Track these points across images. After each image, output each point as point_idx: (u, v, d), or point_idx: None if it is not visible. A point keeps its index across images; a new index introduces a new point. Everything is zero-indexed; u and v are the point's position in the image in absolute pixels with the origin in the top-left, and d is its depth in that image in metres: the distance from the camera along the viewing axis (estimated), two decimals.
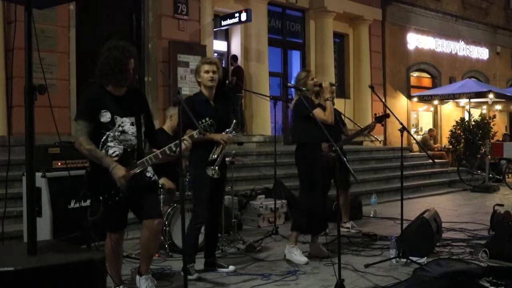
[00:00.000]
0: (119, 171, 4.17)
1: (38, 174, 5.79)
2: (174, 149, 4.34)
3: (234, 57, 13.42)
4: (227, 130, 5.29)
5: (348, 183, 7.80)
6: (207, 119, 4.50)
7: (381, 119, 7.13)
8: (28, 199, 3.21)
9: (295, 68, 15.70)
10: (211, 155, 5.21)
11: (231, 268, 5.56)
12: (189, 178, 5.80)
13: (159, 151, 4.38)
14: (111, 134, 4.29)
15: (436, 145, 18.05)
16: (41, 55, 3.19)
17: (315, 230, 6.19)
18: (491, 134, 15.75)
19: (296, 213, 6.40)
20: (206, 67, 5.35)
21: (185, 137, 4.52)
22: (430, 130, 18.36)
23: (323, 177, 6.00)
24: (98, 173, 4.23)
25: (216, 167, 5.11)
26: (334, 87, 7.77)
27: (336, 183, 5.72)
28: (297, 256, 5.94)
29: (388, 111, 6.61)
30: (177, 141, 4.21)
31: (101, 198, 4.22)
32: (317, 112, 5.90)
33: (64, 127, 9.52)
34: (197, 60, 11.55)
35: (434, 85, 19.66)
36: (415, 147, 16.57)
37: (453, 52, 20.27)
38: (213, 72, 5.35)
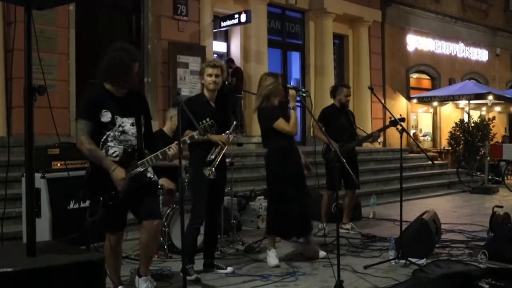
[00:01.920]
0: (119, 174, 4.18)
1: (38, 175, 5.78)
2: (173, 148, 4.36)
3: (231, 60, 13.42)
4: (226, 132, 5.31)
5: (355, 184, 7.70)
6: (207, 119, 4.52)
7: (395, 123, 7.11)
8: (27, 200, 3.21)
9: (295, 69, 15.69)
10: (209, 155, 5.23)
11: (229, 269, 5.56)
12: (188, 179, 5.81)
13: (159, 151, 4.39)
14: (111, 134, 4.30)
15: (418, 149, 17.89)
16: (41, 56, 3.19)
17: (287, 234, 6.22)
18: (490, 136, 15.75)
19: (267, 218, 6.41)
20: (209, 70, 5.38)
21: (185, 137, 4.54)
22: (413, 133, 18.34)
23: (294, 181, 5.97)
24: (98, 173, 4.24)
25: (213, 168, 5.11)
26: (349, 90, 7.84)
27: (346, 184, 5.70)
28: (270, 258, 5.93)
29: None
30: (176, 142, 4.22)
31: (101, 198, 4.22)
32: (280, 123, 5.82)
33: (63, 128, 9.51)
34: (196, 61, 11.66)
35: (434, 87, 19.66)
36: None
37: (452, 54, 20.27)
38: (216, 76, 5.38)
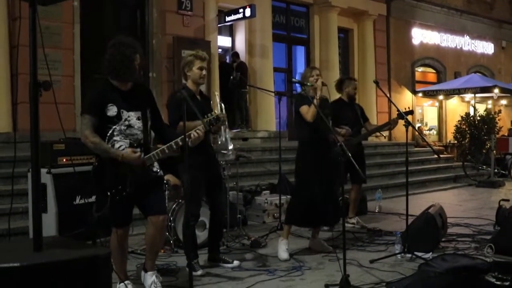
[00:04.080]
0: (131, 155, 4.20)
1: (44, 170, 5.80)
2: (180, 143, 4.35)
3: (236, 54, 13.40)
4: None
5: (361, 178, 7.56)
6: (213, 113, 4.49)
7: (403, 115, 7.11)
8: (33, 195, 3.22)
9: (300, 63, 15.67)
10: (220, 138, 5.22)
11: (236, 263, 5.56)
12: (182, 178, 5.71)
13: (165, 146, 4.38)
14: (117, 128, 4.30)
15: (424, 143, 17.87)
16: (46, 52, 3.19)
17: (306, 224, 6.26)
18: (496, 129, 15.69)
19: (287, 207, 6.42)
20: (199, 63, 5.30)
21: (192, 131, 4.51)
22: (418, 127, 18.29)
23: (322, 174, 5.97)
24: (105, 168, 4.25)
25: (230, 145, 5.21)
26: (356, 83, 7.83)
27: (353, 178, 5.66)
28: (281, 250, 5.94)
29: (410, 107, 6.61)
30: (183, 136, 4.22)
31: (108, 193, 4.23)
32: (303, 108, 5.93)
33: (69, 123, 9.53)
34: None
35: (439, 80, 19.60)
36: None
37: (458, 47, 20.18)
38: (205, 69, 5.34)
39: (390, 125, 7.47)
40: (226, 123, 5.30)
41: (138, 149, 4.30)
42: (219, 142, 5.23)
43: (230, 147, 5.19)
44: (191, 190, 5.27)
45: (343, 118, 7.34)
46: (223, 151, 5.32)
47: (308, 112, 5.88)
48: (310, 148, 6.02)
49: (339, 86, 7.73)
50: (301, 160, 6.11)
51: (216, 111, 4.53)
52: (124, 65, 4.25)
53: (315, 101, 5.82)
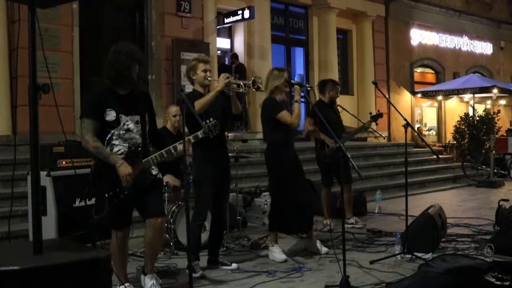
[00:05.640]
0: (125, 169, 4.20)
1: (43, 173, 5.81)
2: (178, 148, 4.37)
3: (235, 56, 13.40)
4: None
5: (350, 178, 7.76)
6: (211, 119, 4.51)
7: (376, 118, 7.40)
8: (33, 198, 3.22)
9: (299, 65, 15.67)
10: (241, 89, 5.40)
11: (234, 265, 5.57)
12: (192, 176, 5.74)
13: (164, 150, 4.40)
14: (116, 132, 4.32)
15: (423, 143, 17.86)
16: (45, 54, 3.20)
17: (291, 229, 6.24)
18: (495, 129, 15.70)
19: (269, 213, 6.39)
20: (203, 66, 5.38)
21: (190, 137, 4.53)
22: (418, 128, 18.29)
23: (295, 176, 5.98)
24: (103, 170, 4.26)
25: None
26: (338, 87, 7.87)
27: (339, 179, 5.70)
28: (276, 254, 5.93)
29: (380, 110, 6.76)
30: (181, 140, 4.23)
31: (106, 195, 4.24)
32: (284, 115, 5.86)
33: (68, 126, 9.51)
34: None
35: (438, 81, 19.59)
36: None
37: (456, 47, 20.18)
38: (209, 71, 5.42)
39: (364, 129, 7.87)
40: (235, 80, 5.46)
41: (136, 160, 4.30)
42: (241, 90, 5.39)
43: (251, 80, 5.38)
44: (200, 188, 5.31)
45: (328, 120, 7.31)
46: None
47: (292, 117, 5.85)
48: (277, 151, 5.98)
49: (322, 87, 7.72)
50: (276, 165, 6.01)
51: (212, 119, 4.57)
52: (121, 75, 4.27)
53: (296, 105, 5.84)
